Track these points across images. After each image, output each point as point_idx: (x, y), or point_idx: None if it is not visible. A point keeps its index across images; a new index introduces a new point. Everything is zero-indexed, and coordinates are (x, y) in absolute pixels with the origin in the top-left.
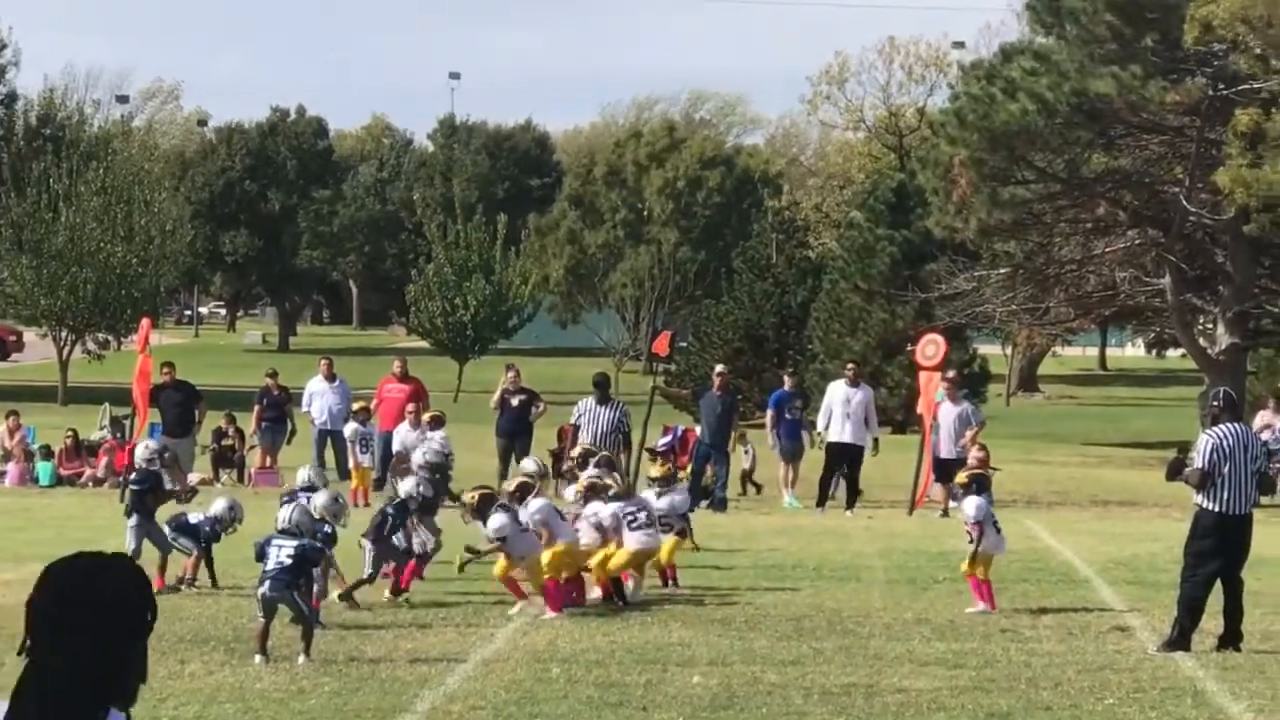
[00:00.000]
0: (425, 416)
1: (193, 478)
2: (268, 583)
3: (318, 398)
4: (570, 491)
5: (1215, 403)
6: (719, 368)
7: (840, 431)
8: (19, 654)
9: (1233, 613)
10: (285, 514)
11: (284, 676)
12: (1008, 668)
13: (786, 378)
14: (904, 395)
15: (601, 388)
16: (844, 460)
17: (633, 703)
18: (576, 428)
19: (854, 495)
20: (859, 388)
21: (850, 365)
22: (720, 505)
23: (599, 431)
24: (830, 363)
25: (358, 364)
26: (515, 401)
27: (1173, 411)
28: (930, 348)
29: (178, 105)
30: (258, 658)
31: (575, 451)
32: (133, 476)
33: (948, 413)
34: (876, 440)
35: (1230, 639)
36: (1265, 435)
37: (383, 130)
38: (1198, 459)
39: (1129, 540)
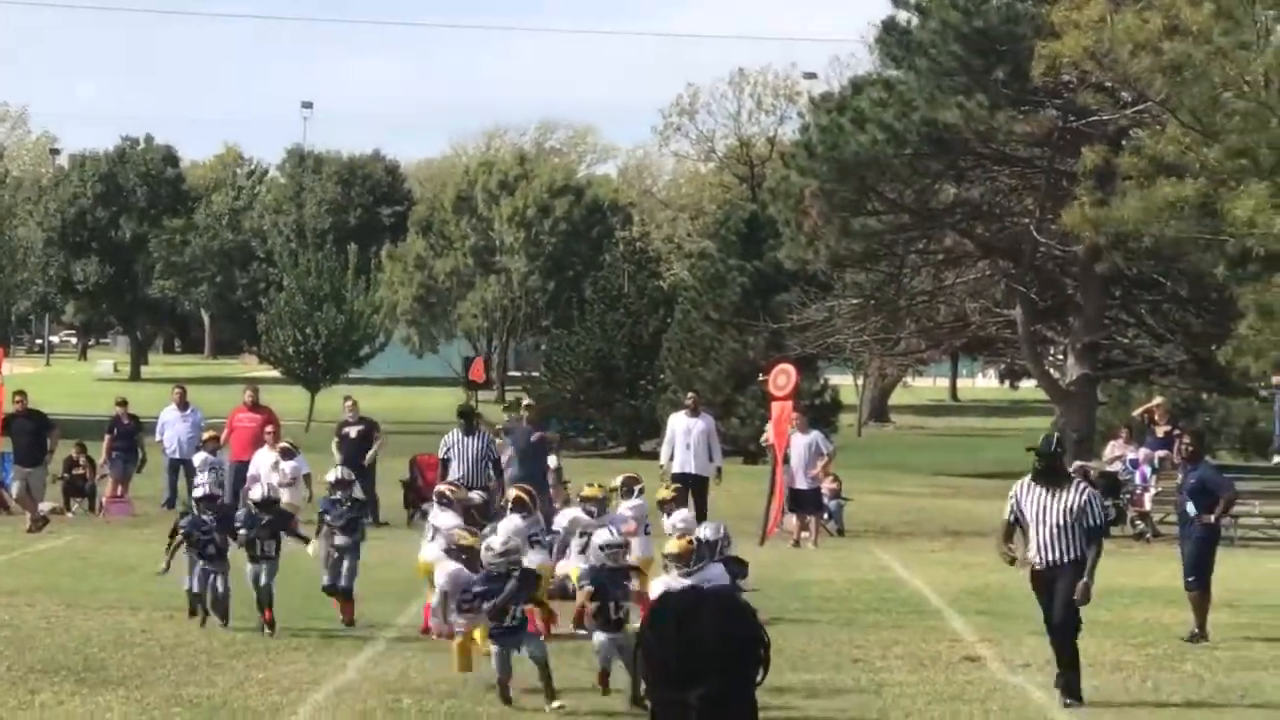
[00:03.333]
0: (277, 447)
1: (44, 507)
2: None
3: (170, 426)
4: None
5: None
6: (525, 400)
7: (683, 462)
8: (639, 697)
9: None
10: None
11: (135, 707)
12: (859, 698)
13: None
14: (756, 425)
15: (467, 418)
16: (688, 490)
17: None
18: (445, 460)
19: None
20: (700, 417)
21: (690, 395)
22: None
23: (469, 460)
24: (681, 393)
25: (210, 393)
26: (354, 433)
27: (1024, 442)
28: (782, 378)
29: (26, 130)
30: None
31: (445, 486)
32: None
33: (798, 442)
34: (720, 469)
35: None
36: (1116, 466)
37: (235, 159)
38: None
39: (980, 571)
